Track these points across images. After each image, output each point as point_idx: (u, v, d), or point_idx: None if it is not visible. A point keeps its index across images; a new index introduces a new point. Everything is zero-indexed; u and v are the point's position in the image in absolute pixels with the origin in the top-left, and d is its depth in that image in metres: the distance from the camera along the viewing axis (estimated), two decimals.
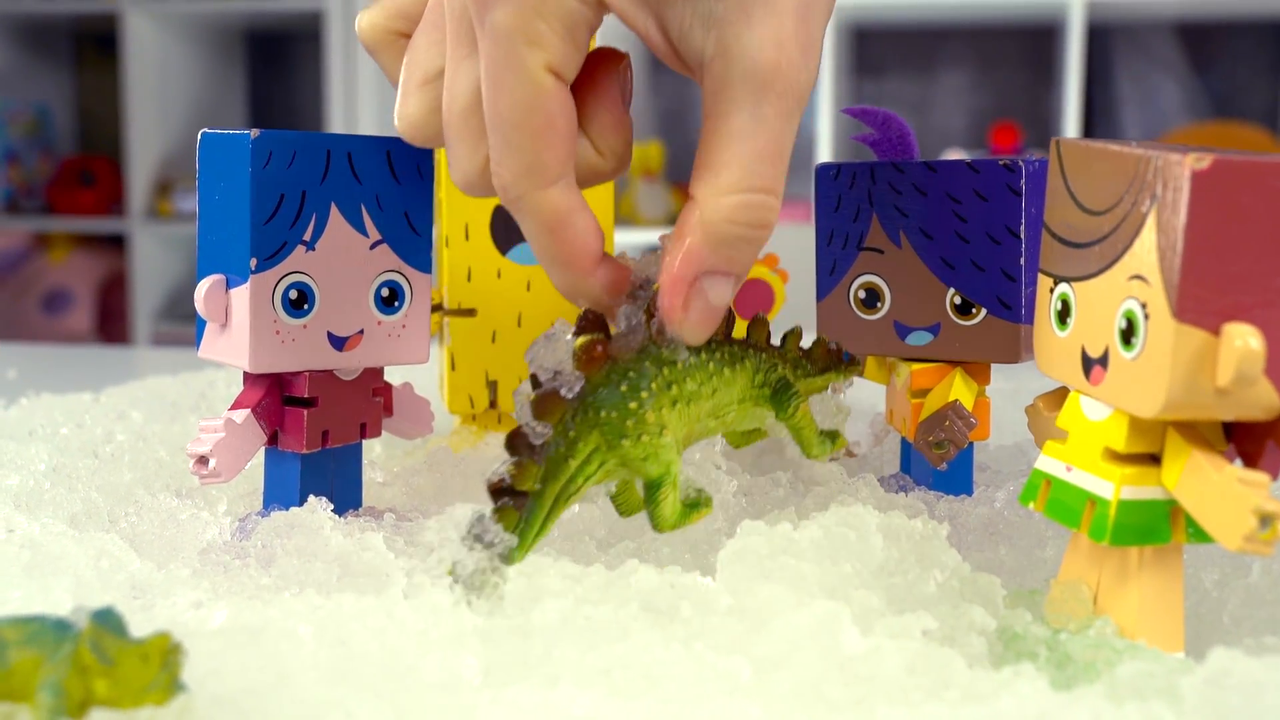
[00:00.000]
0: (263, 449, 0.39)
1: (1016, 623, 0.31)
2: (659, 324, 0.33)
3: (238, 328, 0.37)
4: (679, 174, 2.39)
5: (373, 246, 0.39)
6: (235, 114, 2.71)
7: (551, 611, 0.29)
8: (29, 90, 2.59)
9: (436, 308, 0.49)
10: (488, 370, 0.49)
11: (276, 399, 0.39)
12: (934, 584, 0.32)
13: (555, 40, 0.30)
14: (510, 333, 0.49)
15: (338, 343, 0.39)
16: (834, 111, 2.15)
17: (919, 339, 0.42)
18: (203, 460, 0.37)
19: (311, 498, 0.38)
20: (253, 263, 0.37)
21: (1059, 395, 0.34)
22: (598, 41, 0.34)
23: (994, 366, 0.43)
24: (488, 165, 0.32)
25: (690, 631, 0.29)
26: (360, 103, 2.35)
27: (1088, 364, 0.31)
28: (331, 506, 0.38)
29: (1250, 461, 0.30)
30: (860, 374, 0.45)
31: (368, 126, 2.33)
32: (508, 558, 0.31)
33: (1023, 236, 0.40)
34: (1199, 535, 0.30)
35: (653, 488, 0.33)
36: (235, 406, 0.38)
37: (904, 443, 0.45)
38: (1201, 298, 0.28)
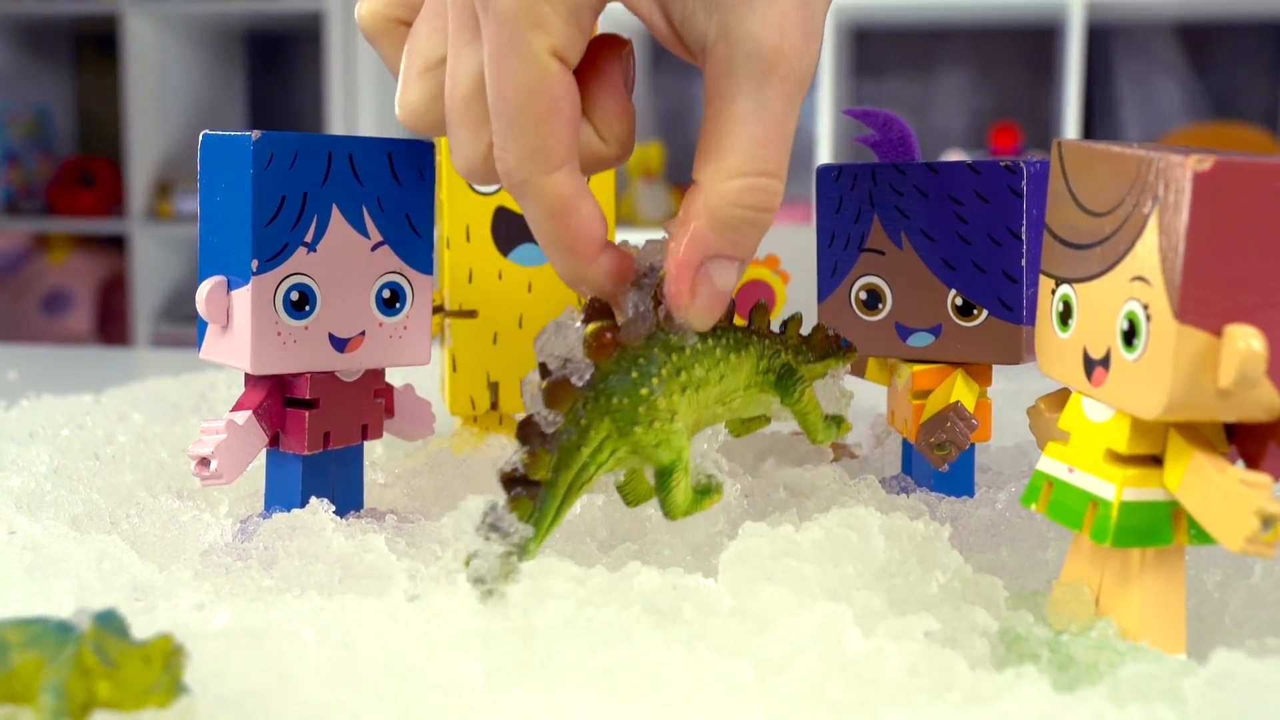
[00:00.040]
0: (264, 450, 0.39)
1: (1019, 624, 0.31)
2: (666, 310, 0.33)
3: (239, 329, 0.37)
4: (679, 174, 2.39)
5: (374, 248, 0.39)
6: (235, 115, 2.71)
7: (554, 613, 0.29)
8: (29, 91, 2.59)
9: (438, 309, 0.49)
10: (489, 372, 0.49)
11: (278, 400, 0.39)
12: (936, 585, 0.32)
13: (559, 24, 0.30)
14: (511, 334, 0.49)
15: (339, 344, 0.39)
16: (834, 112, 2.15)
17: (920, 340, 0.42)
18: (204, 462, 0.37)
19: (313, 499, 0.38)
20: (254, 264, 0.37)
21: (1060, 396, 0.34)
22: (598, 30, 0.34)
23: (995, 368, 0.43)
24: (491, 152, 0.32)
25: (692, 633, 0.29)
26: (360, 104, 2.35)
27: (1089, 365, 0.31)
28: (333, 508, 0.38)
29: (1252, 463, 0.30)
30: (856, 372, 0.45)
31: (368, 127, 2.33)
32: (524, 548, 0.31)
33: (1024, 238, 0.40)
34: (1201, 537, 0.30)
35: (664, 474, 0.33)
36: (237, 408, 0.38)
37: (905, 444, 0.45)
38: (1203, 299, 0.28)
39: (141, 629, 0.27)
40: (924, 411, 0.42)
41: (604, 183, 0.47)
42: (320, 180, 0.38)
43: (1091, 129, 2.38)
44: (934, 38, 2.48)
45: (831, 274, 0.43)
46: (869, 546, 0.32)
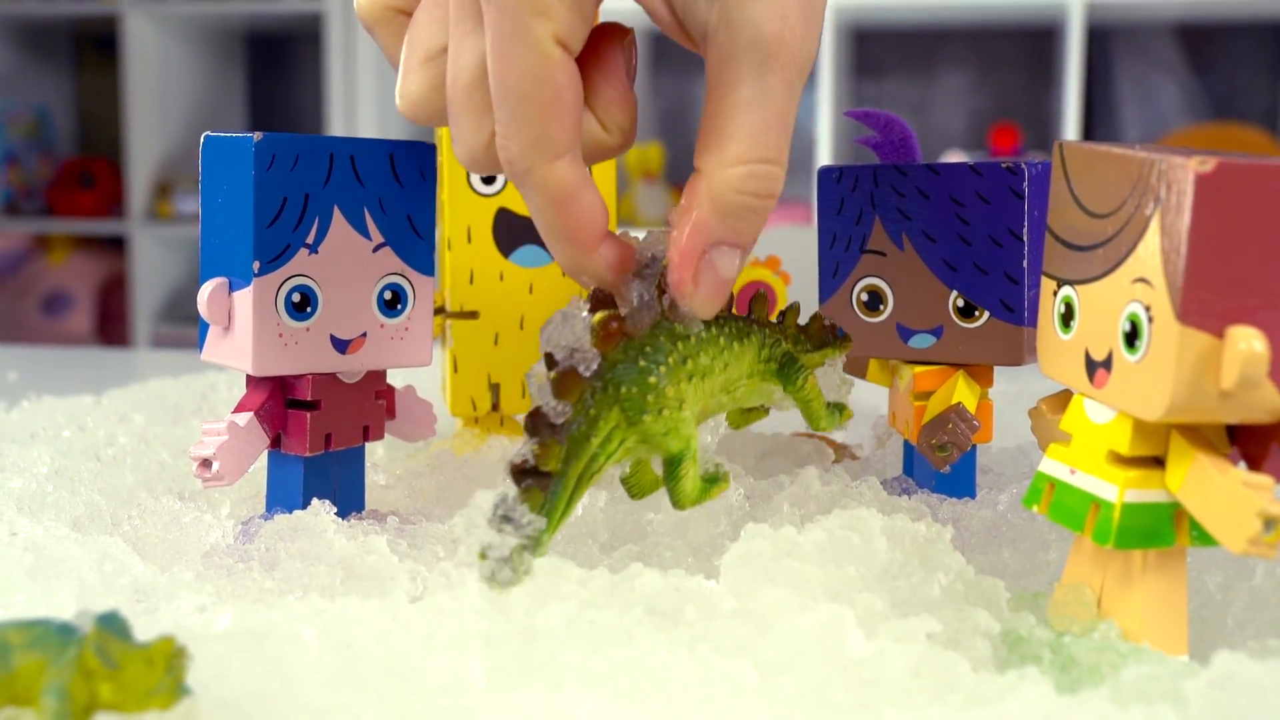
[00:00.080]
0: (265, 452, 0.39)
1: (1021, 626, 0.31)
2: (671, 299, 0.33)
3: (241, 330, 0.37)
4: (679, 175, 2.39)
5: (375, 249, 0.39)
6: (235, 116, 2.71)
7: (556, 615, 0.29)
8: (29, 92, 2.59)
9: (439, 310, 0.49)
10: (490, 373, 0.49)
11: (279, 402, 0.39)
12: (938, 587, 0.32)
13: (563, 11, 0.30)
14: (512, 335, 0.49)
15: (341, 345, 0.39)
16: (834, 113, 2.15)
17: (922, 342, 0.42)
18: (206, 463, 0.37)
19: (315, 501, 0.38)
20: (256, 266, 0.37)
21: (1062, 398, 0.34)
22: (599, 19, 0.34)
23: (996, 369, 0.43)
24: (493, 140, 0.32)
25: (694, 635, 0.29)
26: (360, 104, 2.35)
27: (1091, 367, 0.31)
28: (335, 510, 0.38)
29: (1254, 464, 0.30)
30: (857, 373, 0.45)
31: (367, 128, 2.33)
32: (538, 539, 0.31)
33: (1025, 239, 0.40)
34: (1203, 538, 0.30)
35: (673, 464, 0.33)
36: (238, 409, 0.38)
37: (906, 445, 0.45)
38: (1205, 301, 0.28)
39: (143, 631, 0.27)
40: (925, 413, 0.42)
41: (605, 174, 0.47)
42: (322, 182, 0.38)
43: (1091, 129, 2.38)
44: (934, 38, 2.49)
45: (833, 275, 0.43)
46: (871, 548, 0.32)
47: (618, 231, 0.34)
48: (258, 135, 0.36)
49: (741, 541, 0.32)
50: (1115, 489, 0.30)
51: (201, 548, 0.38)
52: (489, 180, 0.48)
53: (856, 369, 0.46)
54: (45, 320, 2.51)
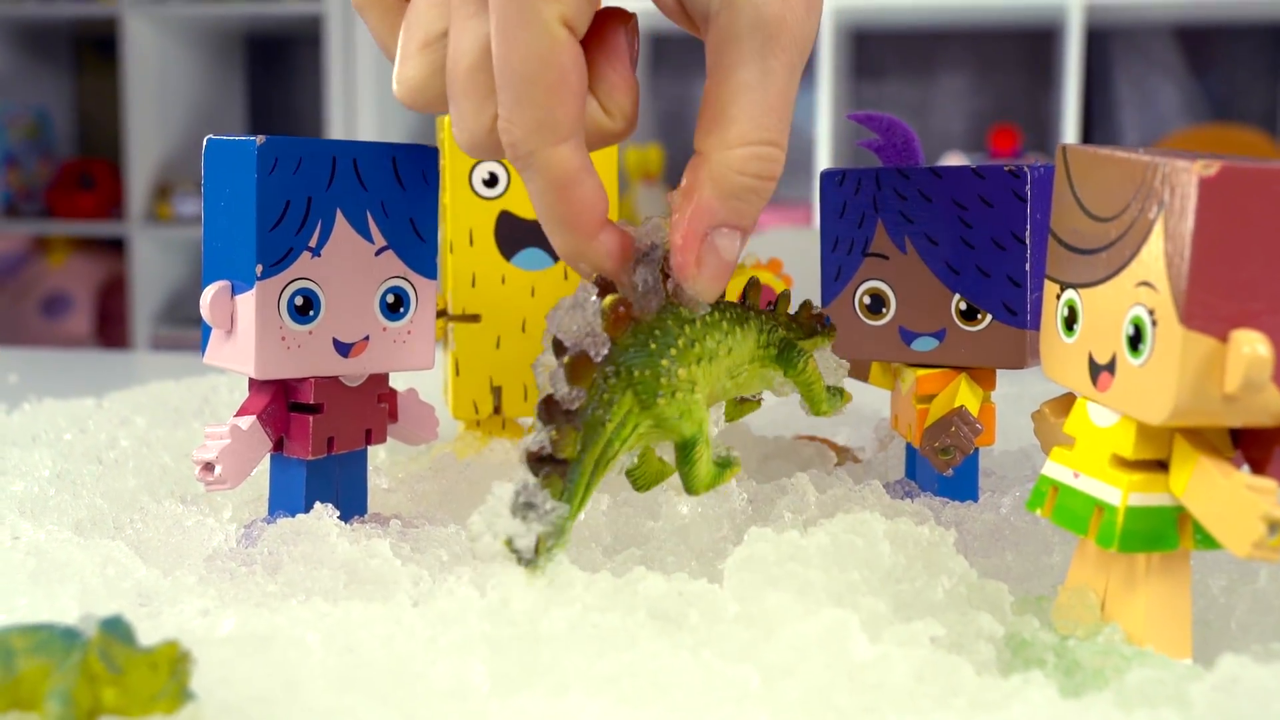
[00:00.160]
0: (267, 455, 0.39)
1: (1024, 629, 0.31)
2: (675, 284, 0.33)
3: (243, 334, 0.37)
4: (679, 178, 2.38)
5: (378, 253, 0.39)
6: (235, 118, 2.71)
7: (559, 619, 0.29)
8: (29, 93, 2.59)
9: (441, 313, 0.49)
10: (492, 376, 0.49)
11: (282, 405, 0.39)
12: (941, 591, 0.32)
13: None
14: (514, 338, 0.49)
15: (343, 349, 0.39)
16: (833, 114, 2.15)
17: (924, 345, 0.42)
18: (208, 467, 0.37)
19: (317, 504, 0.38)
20: (258, 269, 0.37)
21: (1065, 401, 0.34)
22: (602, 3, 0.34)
23: (999, 372, 0.43)
24: (495, 124, 0.32)
25: (698, 639, 0.29)
26: (360, 106, 2.35)
27: (1095, 370, 0.31)
28: (337, 513, 0.38)
29: (1258, 468, 0.30)
30: (859, 376, 0.45)
31: (367, 129, 2.33)
32: (561, 527, 0.31)
33: (1028, 242, 0.40)
34: (1207, 542, 0.30)
35: (687, 448, 0.33)
36: (241, 413, 0.38)
37: (909, 448, 0.45)
38: (1209, 304, 0.28)
39: (147, 635, 0.27)
40: (928, 416, 0.42)
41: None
42: (325, 185, 0.38)
43: (1091, 131, 2.38)
44: (933, 40, 2.49)
45: (835, 278, 0.43)
46: (874, 552, 0.32)
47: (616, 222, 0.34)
48: (260, 138, 0.36)
49: (745, 545, 0.32)
50: (1119, 492, 0.30)
51: (204, 551, 0.38)
52: (491, 183, 0.48)
53: (859, 372, 0.46)
54: (45, 322, 2.51)
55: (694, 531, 0.38)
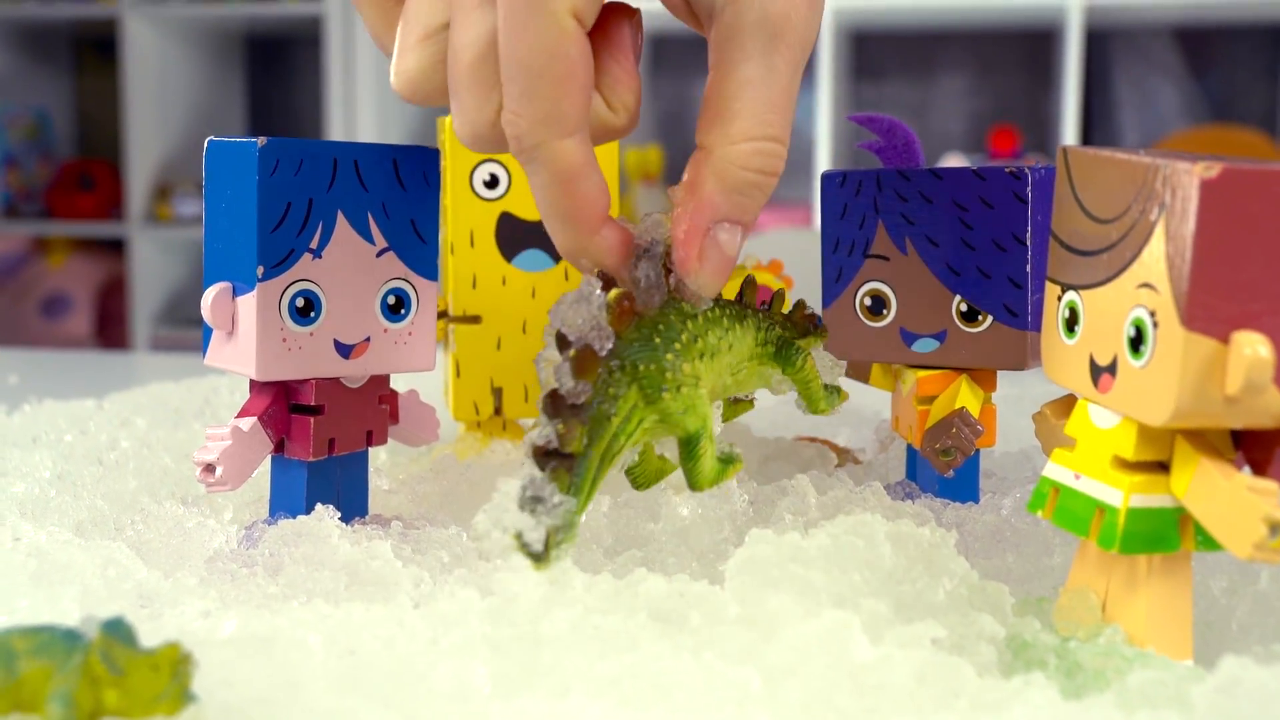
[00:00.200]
0: (268, 456, 0.39)
1: (1025, 631, 0.31)
2: (677, 279, 0.33)
3: (244, 335, 0.37)
4: (679, 178, 2.38)
5: (379, 254, 0.39)
6: (235, 118, 2.71)
7: (560, 620, 0.29)
8: (28, 94, 2.59)
9: (441, 315, 0.49)
10: (493, 377, 0.49)
11: (283, 407, 0.39)
12: (943, 592, 0.32)
13: None
14: (515, 340, 0.49)
15: (344, 350, 0.39)
16: (833, 115, 2.15)
17: (925, 346, 0.42)
18: (209, 468, 0.37)
19: (319, 506, 0.38)
20: (259, 270, 0.37)
21: (1066, 403, 0.34)
22: None
23: (1000, 373, 0.43)
24: (498, 117, 0.32)
25: (699, 641, 0.29)
26: (360, 107, 2.35)
27: (1096, 372, 0.31)
28: (338, 514, 0.38)
29: (1259, 469, 0.30)
30: (860, 378, 0.45)
31: (367, 130, 2.33)
32: (570, 521, 0.31)
33: (1029, 244, 0.40)
34: (1208, 543, 0.30)
35: (691, 443, 0.33)
36: (242, 414, 0.38)
37: (910, 450, 0.45)
38: (1210, 306, 0.28)
39: (148, 636, 0.27)
40: (929, 417, 0.42)
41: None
42: (326, 186, 0.38)
43: (1090, 132, 2.38)
44: (933, 41, 2.49)
45: (836, 280, 0.43)
46: (875, 553, 0.32)
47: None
48: (262, 140, 0.36)
49: (746, 547, 0.32)
50: (1120, 494, 0.30)
51: (205, 553, 0.38)
52: (492, 184, 0.48)
53: (859, 373, 0.46)
54: (44, 322, 2.51)
55: (695, 533, 0.38)
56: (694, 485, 0.34)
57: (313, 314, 0.38)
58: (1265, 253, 0.28)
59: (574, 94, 0.31)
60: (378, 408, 0.41)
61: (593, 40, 0.32)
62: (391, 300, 0.39)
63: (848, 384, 0.44)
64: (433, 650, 0.29)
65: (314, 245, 0.38)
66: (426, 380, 0.54)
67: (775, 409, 0.55)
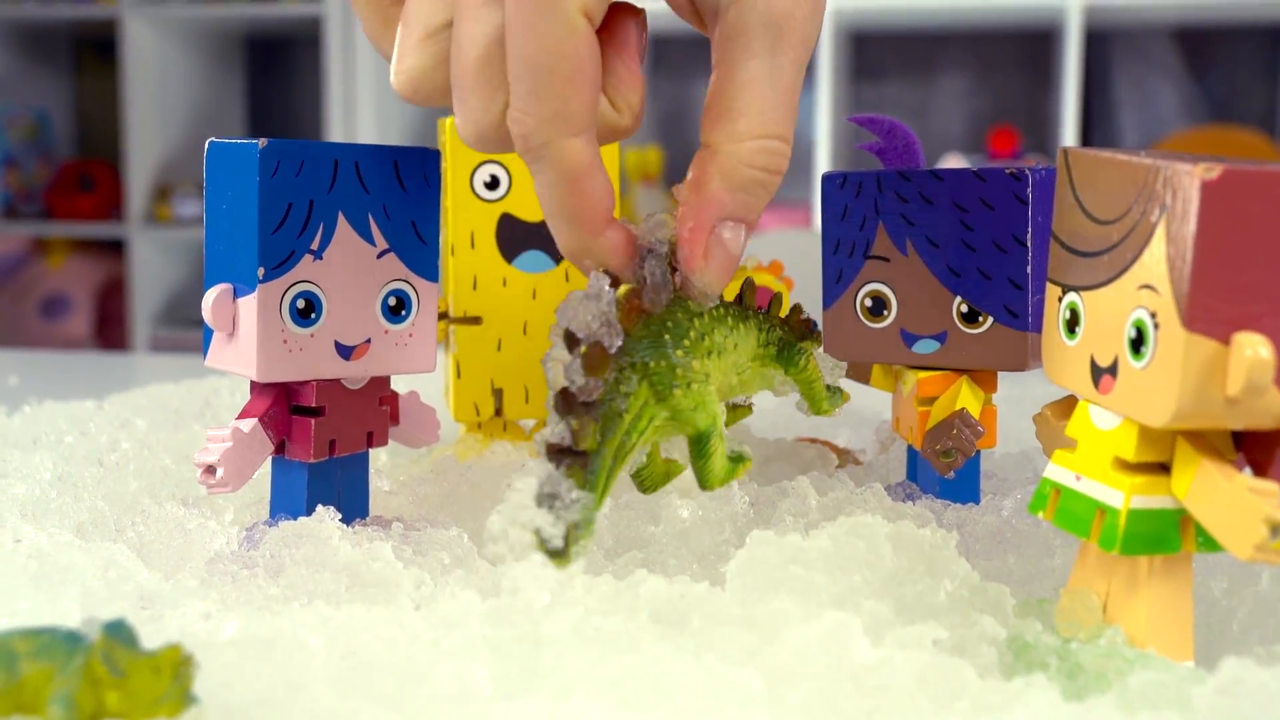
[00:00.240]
0: (269, 458, 0.39)
1: (1027, 632, 0.31)
2: (682, 277, 0.33)
3: (245, 337, 0.37)
4: (678, 178, 2.38)
5: (380, 255, 0.39)
6: (234, 119, 2.71)
7: (561, 622, 0.29)
8: (28, 95, 2.59)
9: (442, 316, 0.49)
10: (493, 378, 0.49)
11: (284, 408, 0.39)
12: (943, 593, 0.32)
13: None
14: (515, 341, 0.49)
15: (345, 352, 0.39)
16: (833, 116, 2.15)
17: (926, 347, 0.42)
18: (210, 470, 0.37)
19: (319, 507, 0.38)
20: (260, 272, 0.37)
21: (1067, 404, 0.34)
22: None
23: (1000, 374, 0.43)
24: (504, 116, 0.31)
25: (700, 642, 0.29)
26: (359, 108, 2.35)
27: (1097, 373, 0.31)
28: (339, 516, 0.38)
29: (1260, 470, 0.30)
30: (860, 379, 0.45)
31: (367, 131, 2.33)
32: (588, 517, 0.30)
33: (1029, 245, 0.40)
34: (1209, 544, 0.30)
35: (701, 441, 0.33)
36: (242, 415, 0.38)
37: (910, 451, 0.45)
38: (1211, 307, 0.28)
39: (149, 638, 0.27)
40: (929, 418, 0.42)
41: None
42: (326, 188, 0.38)
43: (1090, 132, 2.39)
44: (933, 41, 2.49)
45: (836, 281, 0.43)
46: (877, 555, 0.32)
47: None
48: (263, 141, 0.36)
49: (746, 549, 0.32)
50: (1121, 495, 0.30)
51: (206, 554, 0.38)
52: (493, 186, 0.48)
53: (860, 374, 0.46)
54: (44, 323, 2.51)
55: (696, 534, 0.38)
56: (704, 484, 0.33)
57: (313, 315, 0.38)
58: (1266, 254, 0.28)
59: (583, 92, 0.31)
60: (378, 409, 0.41)
61: (600, 38, 0.32)
62: (392, 301, 0.39)
63: (848, 385, 0.44)
64: (434, 652, 0.29)
65: (315, 246, 0.38)
66: (427, 381, 0.54)
67: (776, 410, 0.55)
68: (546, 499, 0.30)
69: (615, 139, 0.34)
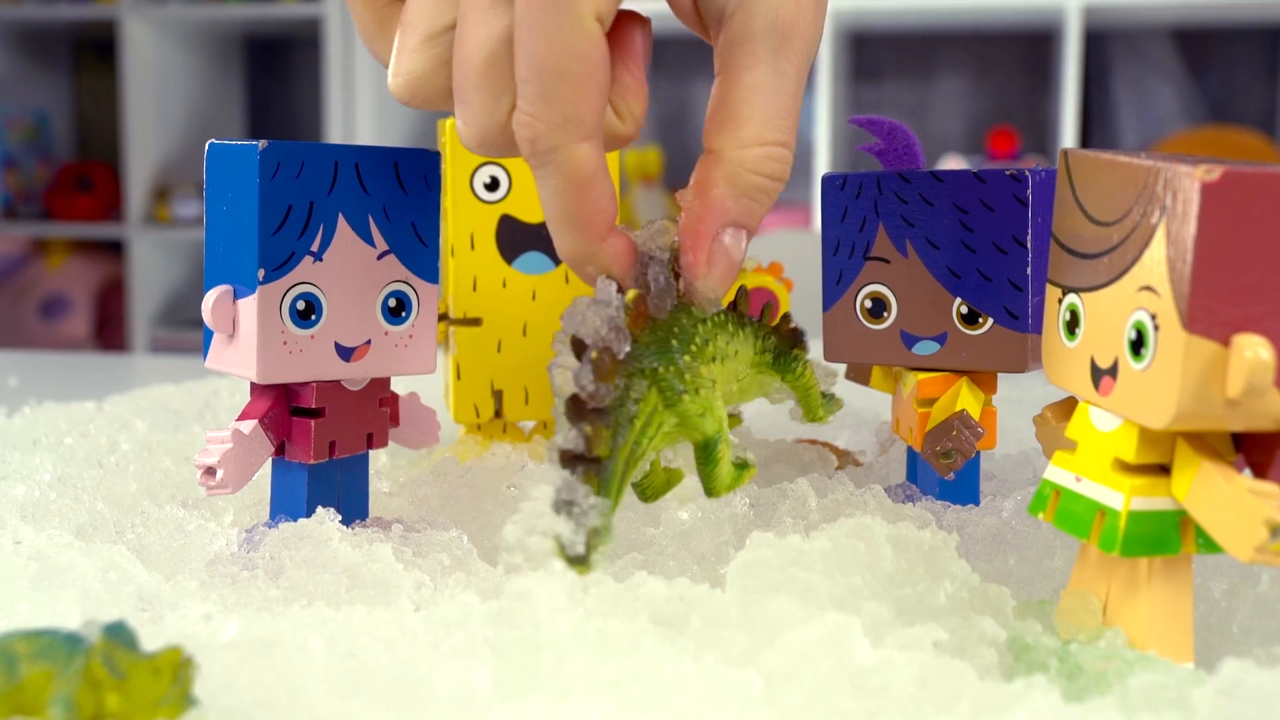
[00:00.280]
0: (269, 459, 0.39)
1: (1027, 634, 0.31)
2: (687, 283, 0.33)
3: (245, 338, 0.37)
4: (678, 179, 2.39)
5: (380, 257, 0.39)
6: (234, 120, 2.71)
7: (561, 624, 0.29)
8: (28, 96, 2.59)
9: (442, 317, 0.49)
10: (493, 380, 0.49)
11: (284, 409, 0.39)
12: (944, 595, 0.32)
13: None
14: (515, 342, 0.49)
15: (345, 353, 0.39)
16: (832, 117, 2.15)
17: (926, 349, 0.42)
18: (210, 471, 0.37)
19: (319, 509, 0.38)
20: (260, 273, 0.37)
21: (1067, 405, 0.34)
22: None
23: (1000, 375, 0.43)
24: (509, 120, 0.31)
25: (700, 644, 0.29)
26: (359, 108, 2.35)
27: (1097, 374, 0.31)
28: (339, 517, 0.38)
29: (1260, 472, 0.30)
30: (860, 380, 0.45)
31: (366, 132, 2.33)
32: (606, 523, 0.30)
33: (1029, 246, 0.40)
34: (1209, 546, 0.30)
35: (709, 447, 0.33)
36: (242, 417, 0.38)
37: (910, 452, 0.45)
38: (1211, 309, 0.28)
39: (149, 640, 0.27)
40: (929, 420, 0.42)
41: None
42: (327, 189, 0.38)
43: (1089, 133, 2.39)
44: (932, 42, 2.49)
45: (836, 282, 0.43)
46: (876, 556, 0.32)
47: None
48: (263, 143, 0.36)
49: (747, 550, 0.32)
50: (1121, 496, 0.30)
51: (205, 556, 0.38)
52: (493, 187, 0.48)
53: (860, 376, 0.46)
54: (43, 324, 2.51)
55: (695, 536, 0.38)
56: (711, 490, 0.33)
57: (313, 317, 0.38)
58: (1266, 256, 0.28)
59: (593, 97, 0.31)
60: (378, 410, 0.41)
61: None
62: (392, 303, 0.39)
63: (848, 385, 0.44)
64: (434, 653, 0.29)
65: (315, 248, 0.38)
66: (427, 383, 0.54)
67: (776, 411, 0.55)
68: (564, 506, 0.30)
69: (615, 147, 0.34)
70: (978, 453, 0.42)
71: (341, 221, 0.38)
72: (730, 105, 0.32)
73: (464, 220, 0.48)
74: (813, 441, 0.51)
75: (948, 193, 0.41)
